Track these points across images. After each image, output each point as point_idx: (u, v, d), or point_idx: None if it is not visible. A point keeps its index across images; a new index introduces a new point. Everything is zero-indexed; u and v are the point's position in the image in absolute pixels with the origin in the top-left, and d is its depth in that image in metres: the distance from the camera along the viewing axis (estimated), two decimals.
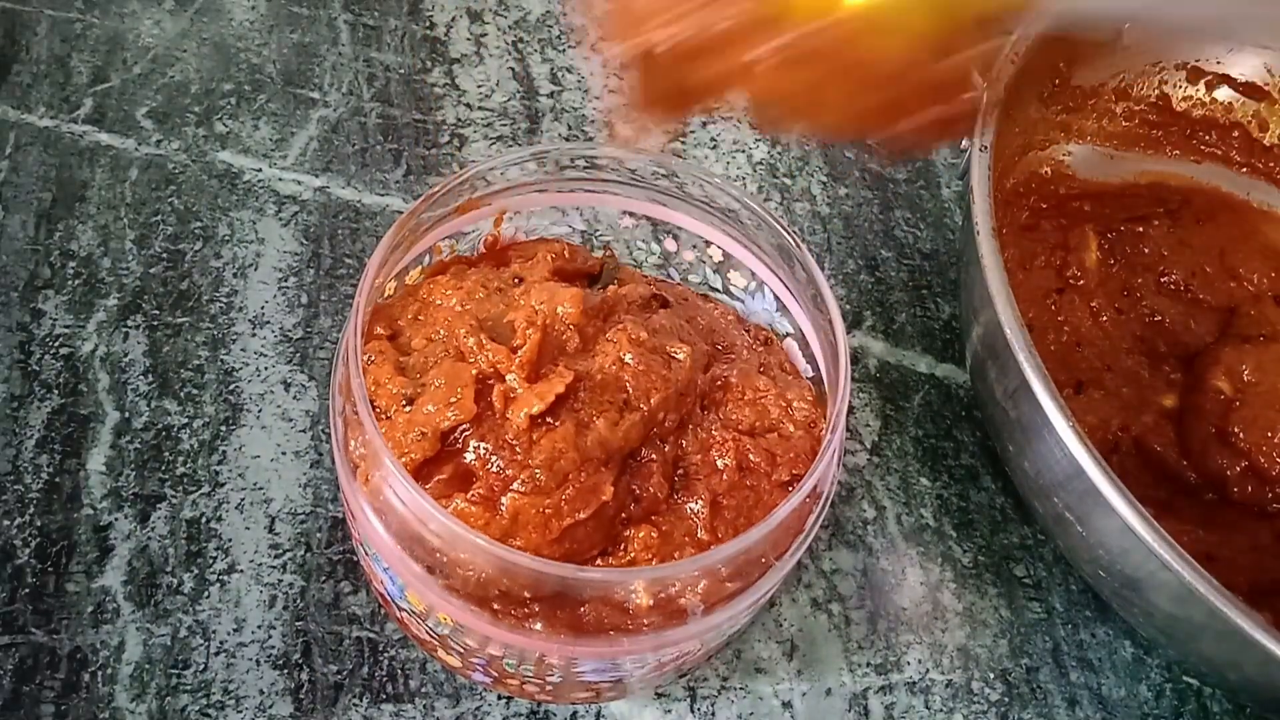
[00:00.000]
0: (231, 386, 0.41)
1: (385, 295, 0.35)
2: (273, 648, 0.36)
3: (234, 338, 0.42)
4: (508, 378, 0.30)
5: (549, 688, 0.33)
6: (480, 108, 0.52)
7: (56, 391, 0.40)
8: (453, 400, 0.30)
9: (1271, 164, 0.53)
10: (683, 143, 0.53)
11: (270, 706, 0.35)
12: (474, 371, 0.30)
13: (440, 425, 0.29)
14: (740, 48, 0.32)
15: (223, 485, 0.39)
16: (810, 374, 0.37)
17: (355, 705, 0.35)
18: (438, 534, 0.28)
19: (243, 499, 0.39)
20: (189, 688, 0.35)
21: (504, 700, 0.36)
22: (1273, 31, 0.51)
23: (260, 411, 0.41)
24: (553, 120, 0.52)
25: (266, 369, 0.42)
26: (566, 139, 0.51)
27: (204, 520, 0.38)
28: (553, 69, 0.54)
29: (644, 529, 0.31)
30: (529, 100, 0.52)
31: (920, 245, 0.52)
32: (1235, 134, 0.53)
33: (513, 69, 0.53)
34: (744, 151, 0.53)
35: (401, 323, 0.33)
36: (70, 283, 0.43)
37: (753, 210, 0.36)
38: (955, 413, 0.47)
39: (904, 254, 0.51)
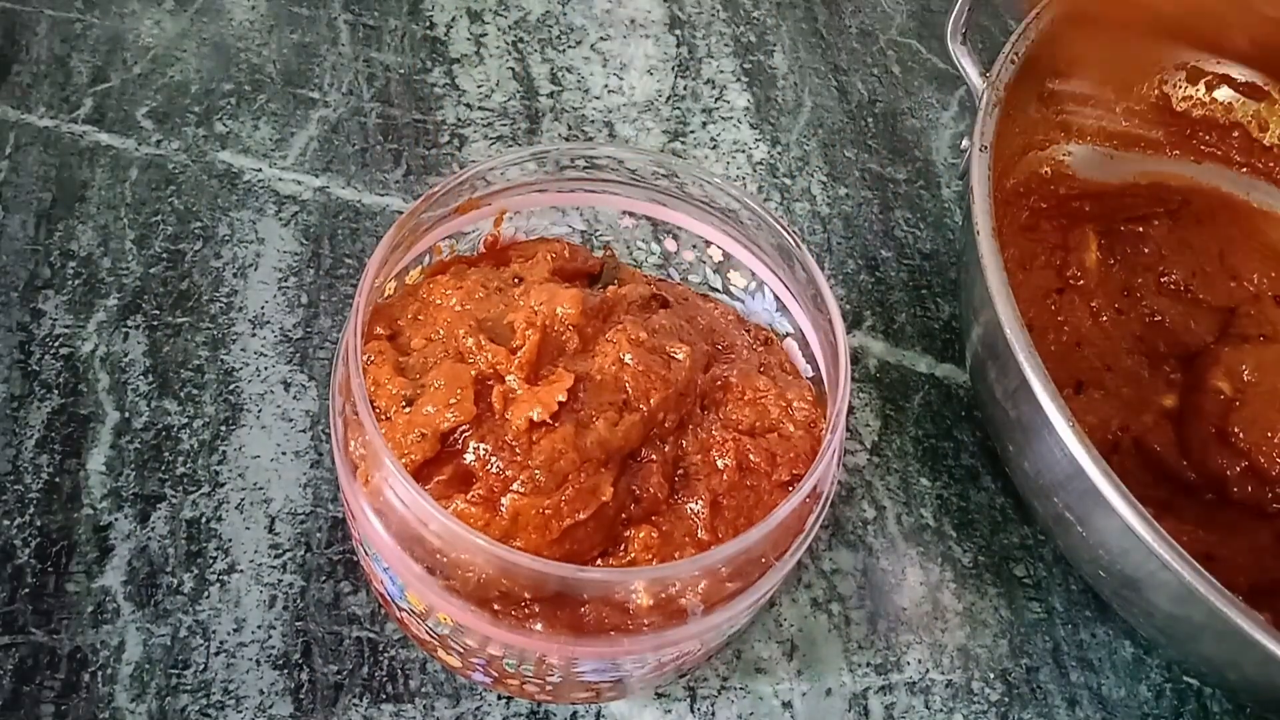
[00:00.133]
0: (231, 386, 0.41)
1: (385, 295, 0.35)
2: (273, 648, 0.36)
3: (234, 338, 0.42)
4: (507, 378, 0.30)
5: (549, 688, 0.33)
6: (480, 108, 0.52)
7: (56, 391, 0.40)
8: (452, 401, 0.30)
9: (1271, 164, 0.53)
10: (683, 143, 0.53)
11: (270, 706, 0.35)
12: (474, 372, 0.30)
13: (440, 426, 0.29)
14: None
15: (223, 485, 0.39)
16: (810, 374, 0.37)
17: (355, 705, 0.35)
18: (438, 534, 0.28)
19: (243, 499, 0.39)
20: (189, 688, 0.35)
21: (504, 700, 0.36)
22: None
23: (260, 411, 0.41)
24: (553, 120, 0.52)
25: (266, 369, 0.42)
26: (566, 139, 0.51)
27: (204, 520, 0.38)
28: (553, 69, 0.54)
29: (644, 529, 0.31)
30: (529, 100, 0.52)
31: (920, 245, 0.52)
32: (1235, 134, 0.53)
33: (513, 69, 0.53)
34: (744, 151, 0.53)
35: (401, 323, 0.33)
36: (70, 283, 0.43)
37: (753, 210, 0.36)
38: (955, 413, 0.47)
39: (904, 254, 0.51)
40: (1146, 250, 0.49)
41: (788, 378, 0.36)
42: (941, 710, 0.39)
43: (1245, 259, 0.50)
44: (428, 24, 0.54)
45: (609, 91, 0.54)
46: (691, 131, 0.53)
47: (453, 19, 0.55)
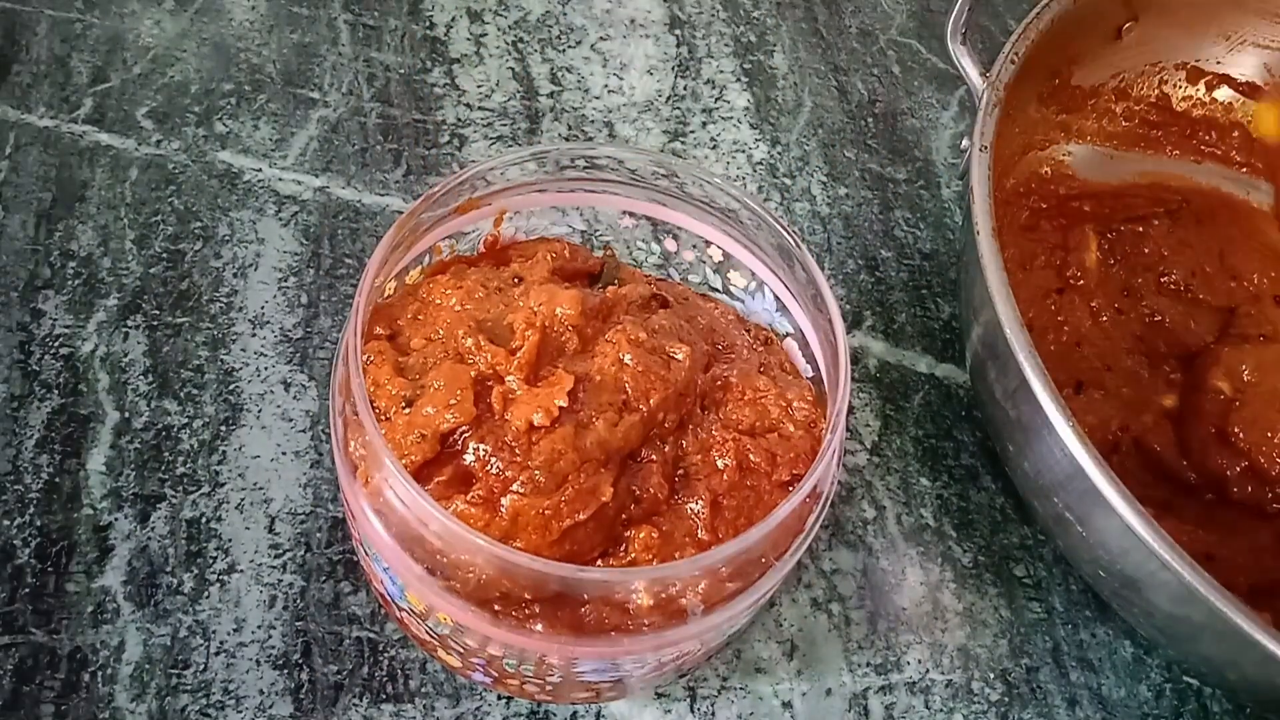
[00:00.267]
0: (231, 386, 0.41)
1: (385, 295, 0.35)
2: (273, 648, 0.36)
3: (234, 338, 0.42)
4: (507, 379, 0.30)
5: (549, 688, 0.33)
6: (480, 108, 0.52)
7: (56, 391, 0.40)
8: (452, 402, 0.30)
9: (1271, 164, 0.53)
10: (683, 143, 0.53)
11: (270, 706, 0.35)
12: (473, 373, 0.30)
13: (440, 427, 0.29)
14: None
15: (223, 485, 0.39)
16: (810, 374, 0.37)
17: (355, 705, 0.35)
18: (438, 535, 0.28)
19: (243, 499, 0.39)
20: (189, 688, 0.35)
21: (504, 700, 0.36)
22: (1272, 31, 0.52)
23: (260, 411, 0.41)
24: (553, 120, 0.52)
25: (266, 369, 0.42)
26: (566, 139, 0.51)
27: (204, 520, 0.38)
28: (553, 69, 0.54)
29: (644, 529, 0.31)
30: (529, 100, 0.52)
31: (920, 245, 0.52)
32: (1235, 134, 0.53)
33: (513, 69, 0.53)
34: (744, 151, 0.53)
35: (401, 323, 0.33)
36: (70, 283, 0.43)
37: (753, 210, 0.36)
38: (955, 413, 0.47)
39: (904, 254, 0.51)
40: (1146, 250, 0.49)
41: (788, 378, 0.36)
42: (941, 710, 0.39)
43: (1245, 259, 0.50)
44: (428, 24, 0.54)
45: (609, 91, 0.54)
46: (691, 131, 0.53)
47: (453, 19, 0.55)
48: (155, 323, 0.42)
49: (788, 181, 0.52)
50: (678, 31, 0.57)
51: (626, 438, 0.30)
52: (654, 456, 0.31)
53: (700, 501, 0.31)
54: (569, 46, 0.55)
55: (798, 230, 0.49)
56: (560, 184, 0.37)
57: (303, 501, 0.39)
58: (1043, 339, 0.46)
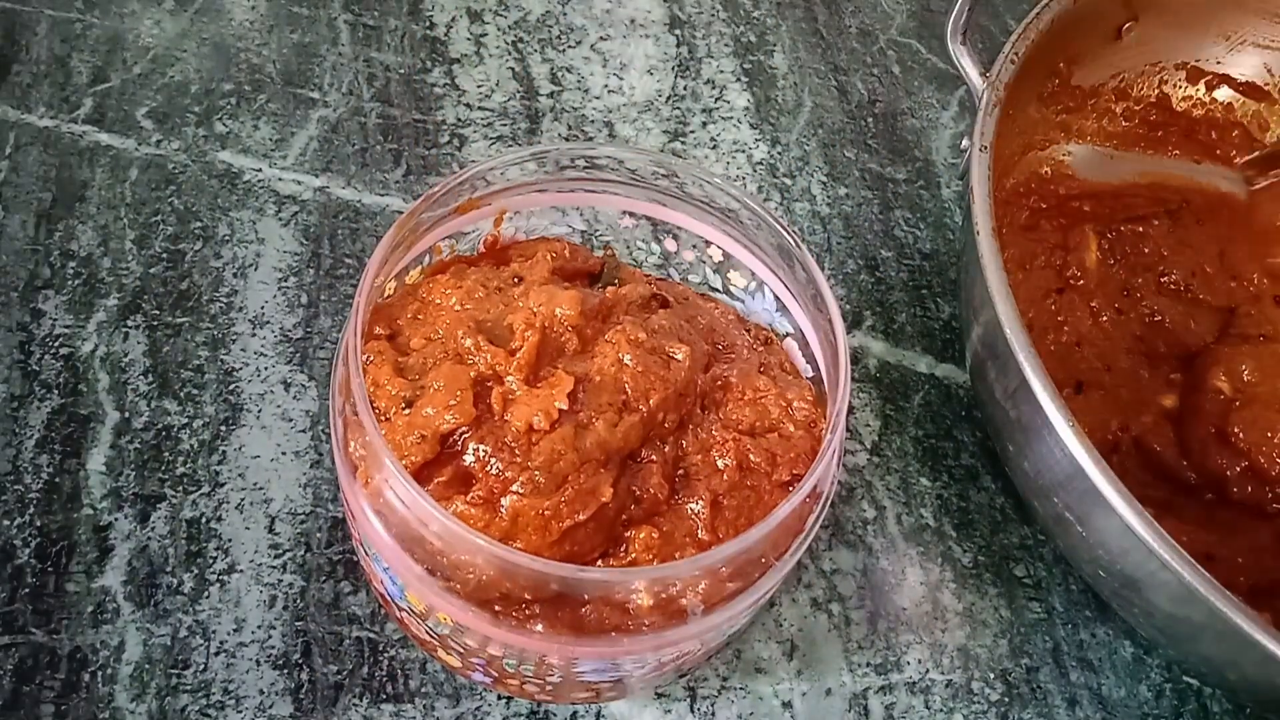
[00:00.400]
0: (231, 386, 0.41)
1: (385, 295, 0.35)
2: (273, 648, 0.36)
3: (234, 338, 0.42)
4: (506, 380, 0.30)
5: (549, 688, 0.33)
6: (480, 108, 0.52)
7: (56, 391, 0.40)
8: (452, 403, 0.30)
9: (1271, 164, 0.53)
10: (683, 143, 0.53)
11: (270, 706, 0.35)
12: (473, 374, 0.30)
13: (440, 428, 0.29)
14: None
15: (223, 485, 0.39)
16: (810, 374, 0.37)
17: (355, 705, 0.35)
18: (439, 535, 0.28)
19: (243, 499, 0.39)
20: (189, 688, 0.35)
21: (504, 700, 0.36)
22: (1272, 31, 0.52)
23: (260, 411, 0.41)
24: (553, 120, 0.52)
25: (266, 369, 0.42)
26: (566, 139, 0.51)
27: (204, 520, 0.38)
28: (553, 69, 0.54)
29: (645, 530, 0.31)
30: (529, 100, 0.52)
31: (920, 245, 0.52)
32: (1235, 134, 0.53)
33: (513, 69, 0.53)
34: (744, 151, 0.53)
35: (401, 322, 0.33)
36: (70, 283, 0.43)
37: (753, 210, 0.36)
38: (955, 413, 0.47)
39: (904, 254, 0.51)
40: (1146, 250, 0.49)
41: (788, 378, 0.36)
42: (941, 710, 0.39)
43: (1245, 259, 0.50)
44: (428, 24, 0.54)
45: (609, 91, 0.54)
46: (691, 131, 0.53)
47: (453, 19, 0.55)
48: (155, 323, 0.42)
49: (788, 181, 0.52)
50: (678, 31, 0.57)
51: (626, 438, 0.30)
52: (654, 457, 0.31)
53: (700, 501, 0.31)
54: (569, 46, 0.55)
55: (798, 230, 0.49)
56: (560, 184, 0.37)
57: (303, 501, 0.39)
58: (1043, 339, 0.46)
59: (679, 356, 0.33)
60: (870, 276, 0.50)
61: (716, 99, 0.55)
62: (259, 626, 0.36)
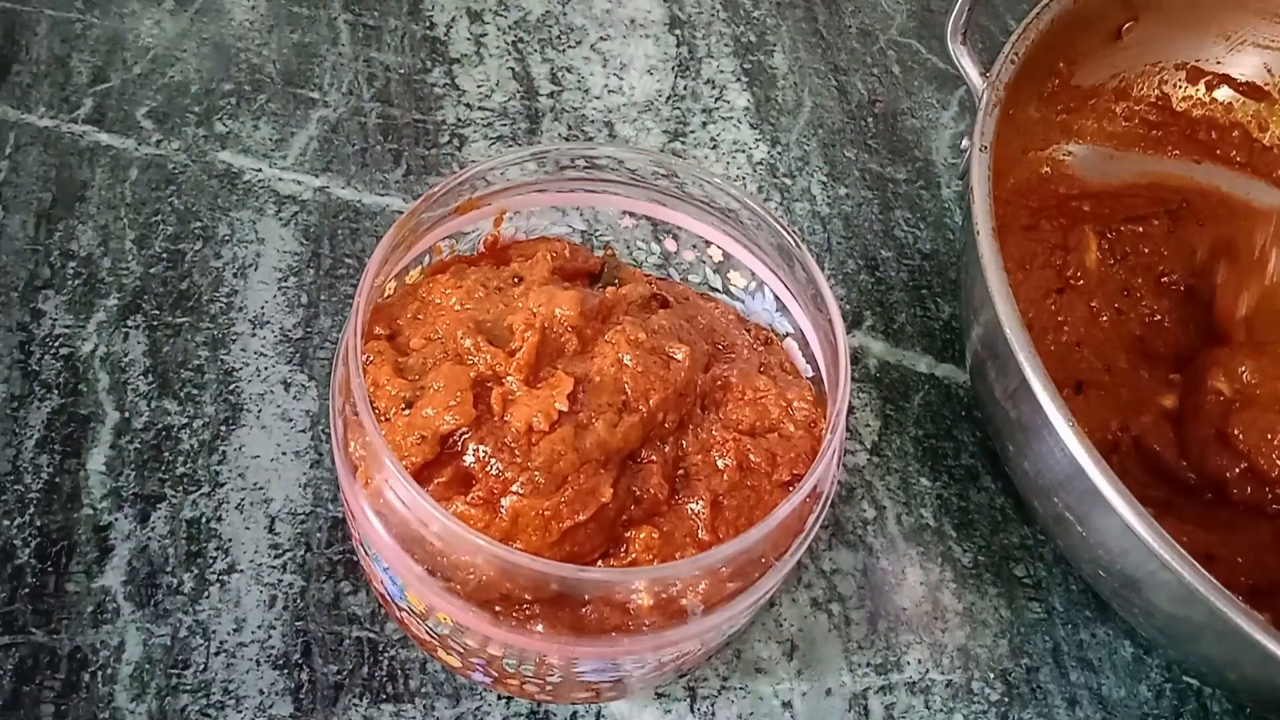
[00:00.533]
0: (231, 386, 0.41)
1: (385, 295, 0.35)
2: (273, 648, 0.36)
3: (234, 338, 0.42)
4: (506, 380, 0.30)
5: (549, 688, 0.33)
6: (480, 108, 0.52)
7: (56, 391, 0.40)
8: (452, 404, 0.30)
9: (1271, 164, 0.53)
10: (683, 143, 0.53)
11: (270, 706, 0.35)
12: (472, 374, 0.30)
13: (440, 429, 0.29)
14: None
15: (223, 485, 0.39)
16: (810, 374, 0.37)
17: (355, 705, 0.35)
18: (439, 536, 0.28)
19: (243, 499, 0.39)
20: (189, 688, 0.35)
21: (504, 700, 0.36)
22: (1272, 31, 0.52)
23: (260, 411, 0.41)
24: (553, 120, 0.52)
25: (266, 369, 0.42)
26: (566, 139, 0.51)
27: (204, 520, 0.38)
28: (553, 69, 0.54)
29: (645, 530, 0.31)
30: (529, 100, 0.52)
31: (920, 245, 0.52)
32: (1235, 134, 0.53)
33: (513, 69, 0.53)
34: (744, 151, 0.53)
35: (401, 322, 0.33)
36: (70, 283, 0.43)
37: (753, 210, 0.36)
38: (955, 413, 0.47)
39: (904, 254, 0.51)
40: (1146, 250, 0.49)
41: (788, 378, 0.36)
42: (941, 710, 0.39)
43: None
44: (428, 24, 0.54)
45: (609, 91, 0.54)
46: (691, 131, 0.53)
47: (453, 19, 0.55)
48: (155, 323, 0.42)
49: (788, 181, 0.52)
50: (678, 31, 0.57)
51: (626, 438, 0.30)
52: (654, 457, 0.31)
53: (700, 502, 0.31)
54: (569, 46, 0.55)
55: (798, 230, 0.49)
56: (560, 184, 0.37)
57: (303, 501, 0.39)
58: (1043, 339, 0.46)
59: (679, 356, 0.33)
60: (870, 276, 0.50)
61: (716, 99, 0.55)
62: (259, 626, 0.36)
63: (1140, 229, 0.50)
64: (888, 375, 0.47)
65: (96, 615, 0.36)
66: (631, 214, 0.38)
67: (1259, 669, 0.32)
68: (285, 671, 0.36)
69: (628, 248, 0.40)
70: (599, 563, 0.30)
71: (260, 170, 0.47)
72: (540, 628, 0.29)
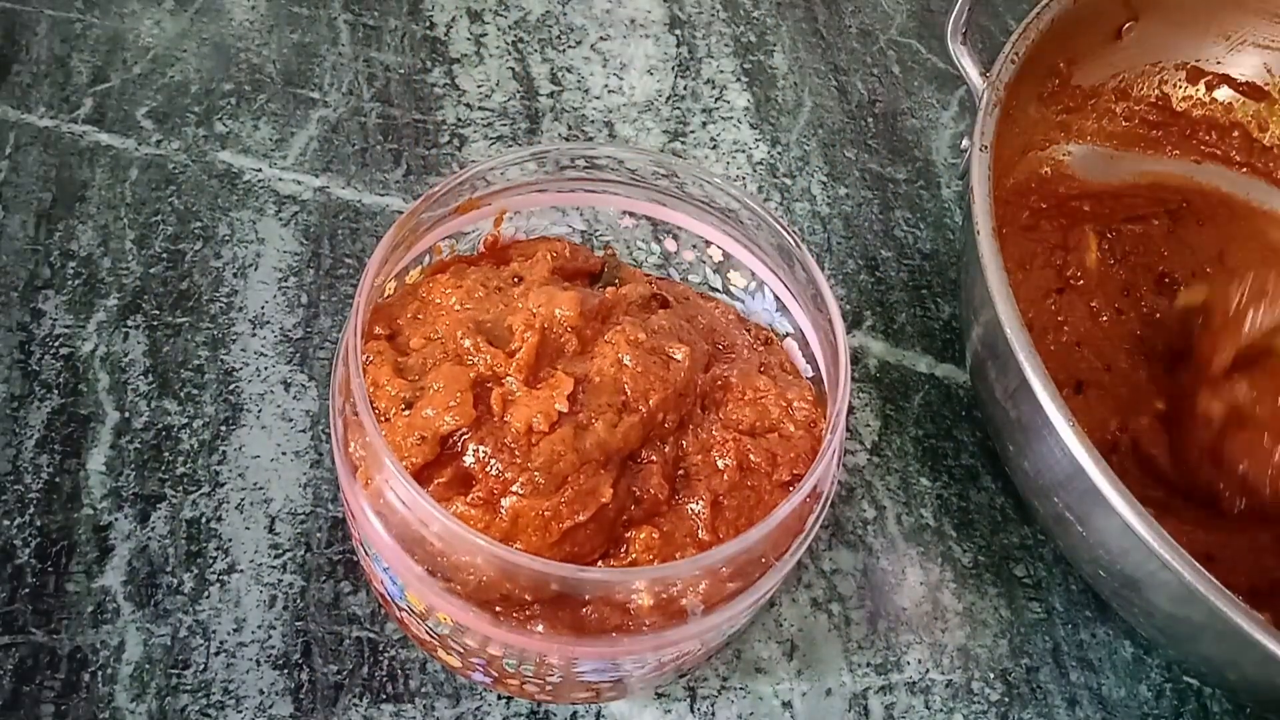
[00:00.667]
0: (231, 386, 0.41)
1: (385, 295, 0.35)
2: (273, 648, 0.36)
3: (234, 338, 0.42)
4: (506, 380, 0.30)
5: (549, 688, 0.33)
6: (480, 108, 0.52)
7: (56, 391, 0.40)
8: (452, 404, 0.30)
9: (1271, 164, 0.53)
10: (683, 143, 0.53)
11: (270, 706, 0.35)
12: (472, 375, 0.30)
13: (440, 429, 0.29)
14: None
15: (223, 485, 0.39)
16: (810, 374, 0.37)
17: (355, 705, 0.35)
18: (439, 536, 0.28)
19: (243, 499, 0.39)
20: (189, 688, 0.35)
21: (504, 700, 0.36)
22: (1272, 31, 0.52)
23: (260, 411, 0.41)
24: (553, 120, 0.52)
25: (266, 369, 0.42)
26: (566, 139, 0.51)
27: (204, 520, 0.38)
28: (553, 69, 0.54)
29: (645, 530, 0.31)
30: (529, 100, 0.52)
31: (920, 245, 0.52)
32: (1235, 134, 0.53)
33: (513, 69, 0.53)
34: (744, 151, 0.53)
35: (401, 322, 0.33)
36: (70, 283, 0.43)
37: (753, 210, 0.36)
38: (955, 413, 0.47)
39: (904, 254, 0.51)
40: (1146, 250, 0.49)
41: (788, 378, 0.36)
42: (941, 710, 0.39)
43: (1245, 259, 0.50)
44: (428, 24, 0.54)
45: (609, 91, 0.54)
46: (691, 131, 0.53)
47: (453, 19, 0.55)
48: (155, 323, 0.42)
49: (788, 181, 0.52)
50: (678, 31, 0.57)
51: (626, 439, 0.30)
52: (654, 457, 0.31)
53: (701, 502, 0.31)
54: (569, 46, 0.55)
55: (798, 230, 0.49)
56: (560, 184, 0.37)
57: (303, 501, 0.39)
58: (1043, 339, 0.46)
59: (679, 357, 0.33)
60: (870, 276, 0.50)
61: (716, 99, 0.55)
62: (259, 626, 0.36)
63: (1140, 229, 0.50)
64: (888, 375, 0.47)
65: (96, 615, 0.36)
66: (631, 214, 0.38)
67: (1259, 669, 0.32)
68: (285, 671, 0.36)
69: (628, 248, 0.40)
70: (599, 563, 0.30)
71: (260, 170, 0.47)
72: (540, 628, 0.29)
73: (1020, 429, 0.37)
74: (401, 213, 0.34)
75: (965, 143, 0.41)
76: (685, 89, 0.55)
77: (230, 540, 0.38)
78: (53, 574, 0.36)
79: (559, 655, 0.30)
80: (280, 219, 0.46)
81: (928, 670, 0.40)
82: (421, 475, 0.29)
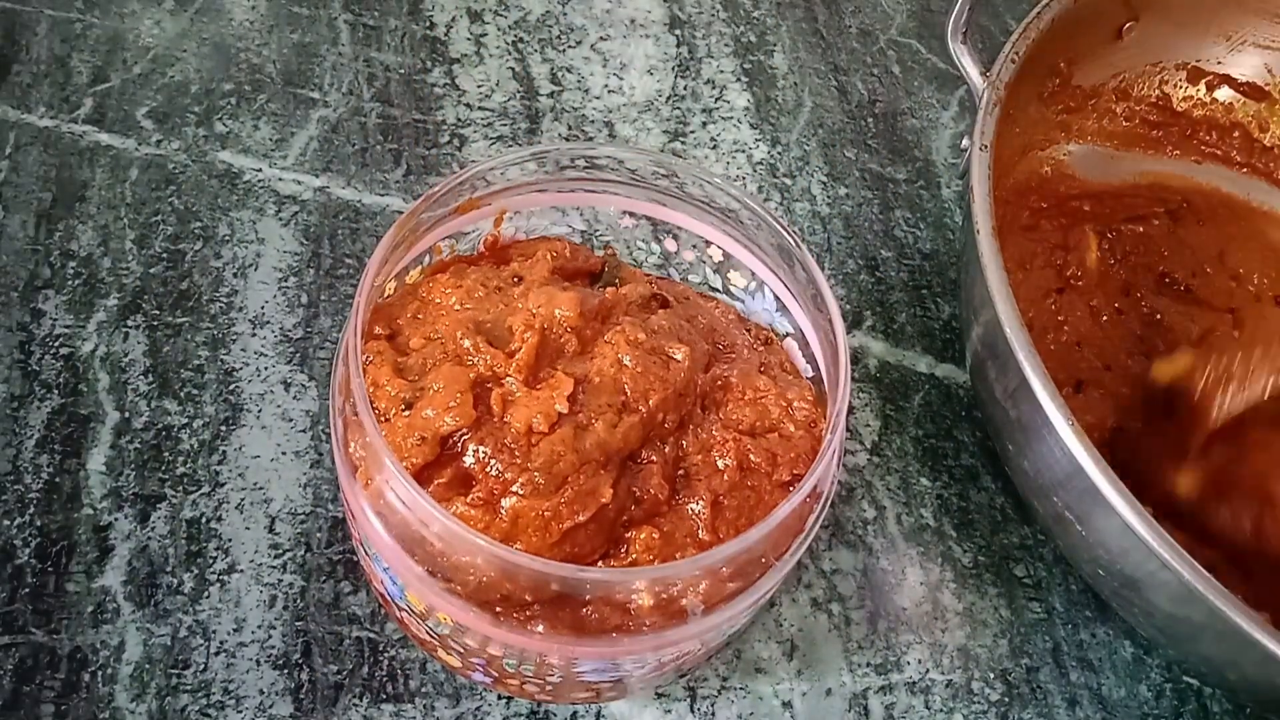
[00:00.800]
0: (231, 386, 0.41)
1: (385, 295, 0.35)
2: (273, 648, 0.36)
3: (234, 338, 0.42)
4: (506, 381, 0.30)
5: (549, 688, 0.33)
6: (480, 108, 0.52)
7: (56, 391, 0.40)
8: (452, 405, 0.29)
9: (1271, 164, 0.53)
10: (683, 143, 0.53)
11: (270, 706, 0.35)
12: (472, 375, 0.30)
13: (440, 430, 0.29)
14: None
15: (223, 485, 0.39)
16: (810, 374, 0.37)
17: (355, 705, 0.35)
18: (439, 536, 0.28)
19: (243, 499, 0.39)
20: (189, 688, 0.35)
21: (504, 700, 0.36)
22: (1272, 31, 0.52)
23: (260, 411, 0.41)
24: (553, 120, 0.52)
25: (266, 369, 0.42)
26: (566, 139, 0.51)
27: (204, 520, 0.38)
28: (553, 69, 0.54)
29: (645, 530, 0.31)
30: (529, 100, 0.52)
31: (920, 245, 0.52)
32: (1235, 134, 0.53)
33: (513, 69, 0.53)
34: (744, 151, 0.53)
35: (401, 322, 0.33)
36: (70, 283, 0.43)
37: (753, 210, 0.36)
38: (955, 413, 0.47)
39: (904, 254, 0.51)
40: (1146, 250, 0.49)
41: (788, 378, 0.36)
42: (941, 710, 0.39)
43: (1245, 259, 0.50)
44: (428, 24, 0.54)
45: (609, 91, 0.54)
46: (691, 131, 0.53)
47: (453, 19, 0.55)
48: (155, 323, 0.42)
49: (788, 181, 0.52)
50: (678, 31, 0.57)
51: (626, 439, 0.30)
52: (654, 457, 0.31)
53: (701, 502, 0.31)
54: (569, 46, 0.55)
55: (798, 230, 0.49)
56: (560, 184, 0.37)
57: (303, 501, 0.39)
58: (1043, 339, 0.46)
59: (678, 357, 0.33)
60: (870, 276, 0.50)
61: (716, 99, 0.55)
62: (259, 626, 0.36)
63: (1140, 229, 0.50)
64: (888, 375, 0.47)
65: (96, 615, 0.36)
66: (631, 214, 0.38)
67: (1259, 669, 0.32)
68: (285, 671, 0.36)
69: (628, 248, 0.40)
70: (599, 563, 0.30)
71: (260, 170, 0.47)
72: (540, 628, 0.29)
73: (1020, 429, 0.37)
74: (401, 213, 0.34)
75: (965, 142, 0.41)
76: (685, 89, 0.55)
77: (230, 540, 0.38)
78: (53, 574, 0.36)
79: (559, 655, 0.30)
80: (280, 219, 0.46)
81: (928, 670, 0.40)
82: (421, 475, 0.29)
